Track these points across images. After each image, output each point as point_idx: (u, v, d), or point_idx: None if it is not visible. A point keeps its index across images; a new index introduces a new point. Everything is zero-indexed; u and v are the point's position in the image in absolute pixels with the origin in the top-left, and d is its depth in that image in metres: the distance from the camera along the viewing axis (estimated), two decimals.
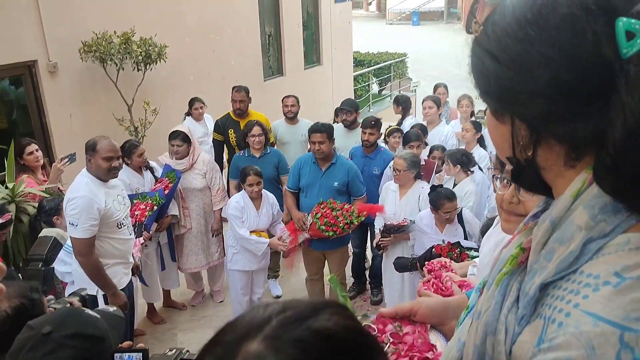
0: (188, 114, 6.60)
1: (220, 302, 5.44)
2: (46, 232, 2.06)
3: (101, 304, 3.49)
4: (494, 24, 0.74)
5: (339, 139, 5.63)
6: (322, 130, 4.45)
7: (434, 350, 1.03)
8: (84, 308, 1.58)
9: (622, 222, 0.67)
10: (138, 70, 6.30)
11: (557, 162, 0.72)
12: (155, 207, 4.52)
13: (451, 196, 3.76)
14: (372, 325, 1.04)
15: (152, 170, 4.83)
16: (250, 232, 4.52)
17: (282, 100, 6.07)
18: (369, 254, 5.64)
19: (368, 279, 5.52)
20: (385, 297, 4.53)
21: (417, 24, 33.64)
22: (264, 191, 4.60)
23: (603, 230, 0.68)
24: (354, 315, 0.68)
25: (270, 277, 5.58)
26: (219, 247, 5.21)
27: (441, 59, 21.90)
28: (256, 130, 5.09)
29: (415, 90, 13.76)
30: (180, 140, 4.75)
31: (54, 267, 1.99)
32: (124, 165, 4.49)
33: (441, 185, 4.21)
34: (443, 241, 3.63)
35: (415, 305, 1.11)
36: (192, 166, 4.89)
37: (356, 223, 4.32)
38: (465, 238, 3.60)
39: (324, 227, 4.29)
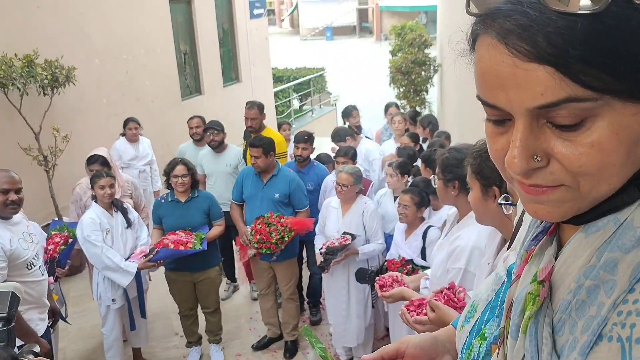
0: (123, 134, 6.26)
1: None
2: (1, 286, 1.72)
3: None
4: None
5: (208, 164, 5.34)
6: (258, 145, 4.33)
7: None
8: None
9: None
10: (44, 94, 5.86)
11: None
12: (70, 240, 4.06)
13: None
14: None
15: (125, 211, 4.15)
16: None
17: (188, 122, 5.75)
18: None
19: (306, 298, 5.38)
20: (329, 318, 4.39)
21: (331, 39, 34.29)
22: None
23: None
24: None
25: (210, 341, 4.65)
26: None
27: (357, 72, 22.40)
28: (180, 170, 4.22)
29: (335, 104, 13.92)
30: (99, 165, 4.38)
31: (15, 325, 1.70)
32: (92, 202, 4.10)
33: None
34: (399, 256, 3.57)
35: (402, 346, 0.97)
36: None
37: (287, 239, 4.22)
38: (424, 257, 3.55)
39: (256, 245, 4.21)
